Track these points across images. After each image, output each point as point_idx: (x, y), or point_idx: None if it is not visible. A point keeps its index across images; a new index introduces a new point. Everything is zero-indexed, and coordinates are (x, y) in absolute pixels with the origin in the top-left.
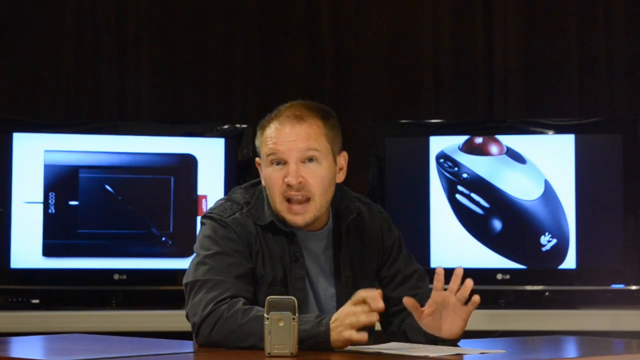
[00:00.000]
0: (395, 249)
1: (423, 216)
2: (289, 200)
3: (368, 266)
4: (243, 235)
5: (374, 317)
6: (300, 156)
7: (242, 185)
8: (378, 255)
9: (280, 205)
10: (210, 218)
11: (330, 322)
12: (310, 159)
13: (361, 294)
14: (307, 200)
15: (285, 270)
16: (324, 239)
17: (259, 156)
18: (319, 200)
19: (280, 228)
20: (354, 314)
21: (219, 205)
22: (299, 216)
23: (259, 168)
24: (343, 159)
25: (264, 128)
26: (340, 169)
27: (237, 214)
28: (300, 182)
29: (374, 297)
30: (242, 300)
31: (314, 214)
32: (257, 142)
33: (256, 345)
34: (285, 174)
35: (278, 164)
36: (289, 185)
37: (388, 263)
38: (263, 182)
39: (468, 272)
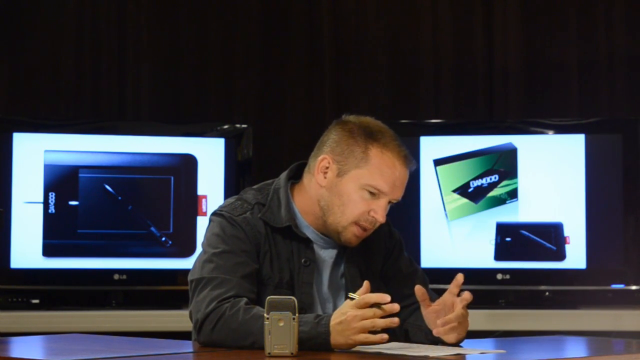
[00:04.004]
0: (396, 249)
1: (424, 215)
2: (361, 226)
3: (373, 268)
4: (252, 234)
5: (394, 321)
6: (393, 200)
7: (254, 187)
8: (381, 257)
9: (348, 226)
10: (220, 216)
11: (333, 322)
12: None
13: (370, 297)
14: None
15: (292, 274)
16: (335, 246)
17: (333, 154)
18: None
19: (295, 233)
20: (366, 318)
21: (229, 204)
22: (359, 239)
23: (323, 163)
24: None
25: (369, 146)
26: None
27: (247, 214)
28: None
29: (385, 299)
30: (244, 300)
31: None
32: (354, 154)
33: (257, 343)
34: (374, 207)
35: (371, 193)
36: (373, 219)
37: (389, 263)
38: (323, 182)
39: (468, 272)
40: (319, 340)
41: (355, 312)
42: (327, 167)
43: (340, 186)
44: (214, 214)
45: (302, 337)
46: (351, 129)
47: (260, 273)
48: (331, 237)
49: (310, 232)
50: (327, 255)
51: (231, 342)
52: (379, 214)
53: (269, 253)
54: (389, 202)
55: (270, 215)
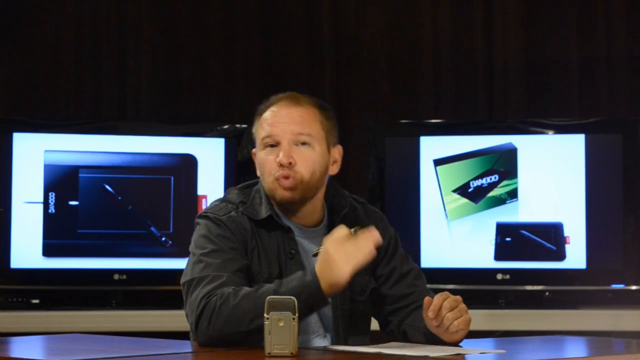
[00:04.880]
0: (391, 247)
1: (424, 215)
2: (279, 178)
3: None
4: (238, 232)
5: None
6: (293, 139)
7: (237, 186)
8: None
9: (271, 184)
10: (205, 217)
11: (331, 253)
12: (303, 143)
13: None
14: (295, 178)
15: (281, 267)
16: (320, 237)
17: (255, 146)
18: (307, 181)
19: (276, 223)
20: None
21: (214, 206)
22: (288, 188)
23: (254, 159)
24: (338, 152)
25: (261, 114)
26: (335, 162)
27: (232, 212)
28: (290, 163)
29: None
30: (231, 287)
31: (302, 189)
32: (254, 129)
33: (254, 322)
34: (278, 154)
35: (272, 146)
36: (280, 165)
37: (384, 261)
38: (258, 172)
39: (468, 272)
40: (311, 289)
41: (355, 241)
42: (254, 156)
43: (257, 161)
44: (199, 216)
45: (295, 293)
46: (259, 110)
47: (249, 269)
48: (283, 208)
49: (292, 225)
50: (310, 248)
51: (230, 329)
52: (282, 154)
53: (257, 249)
54: (299, 143)
55: (252, 210)
